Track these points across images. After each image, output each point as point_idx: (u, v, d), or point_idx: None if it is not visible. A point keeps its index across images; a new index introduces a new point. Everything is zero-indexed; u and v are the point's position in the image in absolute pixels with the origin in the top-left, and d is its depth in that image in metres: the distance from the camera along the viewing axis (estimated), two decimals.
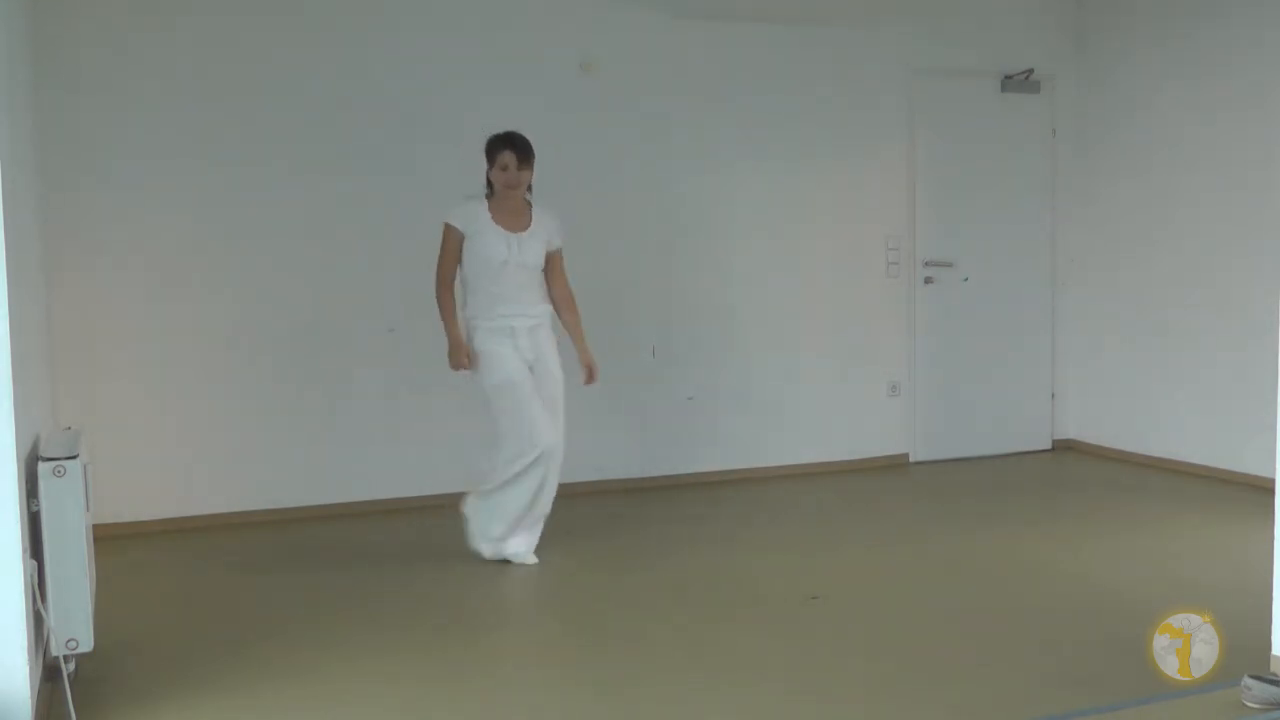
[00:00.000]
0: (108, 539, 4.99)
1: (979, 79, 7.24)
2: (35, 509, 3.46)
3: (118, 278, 5.67)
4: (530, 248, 5.01)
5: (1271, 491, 3.73)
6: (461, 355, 4.98)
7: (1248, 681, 3.41)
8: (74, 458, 3.53)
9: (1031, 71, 7.28)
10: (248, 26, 5.82)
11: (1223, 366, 6.51)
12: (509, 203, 5.03)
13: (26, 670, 3.21)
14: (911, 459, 7.24)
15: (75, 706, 3.35)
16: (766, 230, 6.83)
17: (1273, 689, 3.37)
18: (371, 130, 6.01)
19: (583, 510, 6.07)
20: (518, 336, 4.99)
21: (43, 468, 3.47)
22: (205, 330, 5.79)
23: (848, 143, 6.99)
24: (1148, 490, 6.44)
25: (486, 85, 6.20)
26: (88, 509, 3.63)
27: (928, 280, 7.21)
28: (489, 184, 5.06)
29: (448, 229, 5.02)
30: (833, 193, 6.98)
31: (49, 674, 3.61)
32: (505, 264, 4.95)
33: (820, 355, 6.99)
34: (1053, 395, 7.57)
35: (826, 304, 6.99)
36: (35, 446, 3.70)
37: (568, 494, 6.29)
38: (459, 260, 5.02)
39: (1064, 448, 7.55)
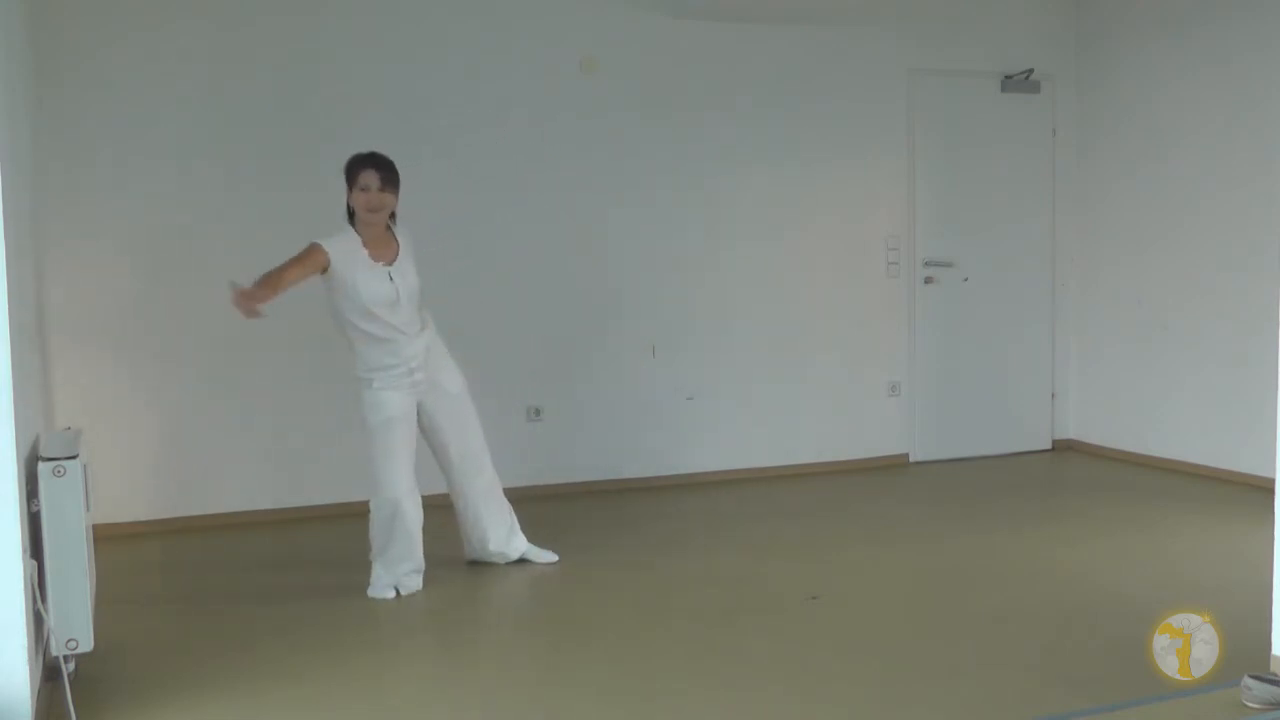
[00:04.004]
0: (108, 539, 4.99)
1: (979, 79, 7.24)
2: (35, 509, 3.47)
3: (117, 278, 5.67)
4: (409, 275, 4.67)
5: (1271, 491, 3.73)
6: (251, 302, 4.33)
7: (1248, 681, 3.41)
8: (74, 458, 3.53)
9: (1031, 71, 7.28)
10: (248, 26, 5.82)
11: (1222, 366, 6.51)
12: (373, 231, 4.63)
13: (26, 670, 3.20)
14: (911, 459, 7.24)
15: (75, 706, 3.35)
16: (767, 230, 6.83)
17: (1273, 689, 3.37)
18: (370, 130, 5.98)
19: (582, 509, 6.08)
20: (414, 375, 4.67)
21: (43, 468, 3.47)
22: (204, 330, 5.79)
23: (848, 143, 6.99)
24: (1148, 490, 6.44)
25: (486, 85, 6.21)
26: (88, 509, 3.63)
27: (928, 280, 7.21)
28: (350, 213, 4.66)
29: (315, 250, 4.50)
30: (833, 193, 6.98)
31: (49, 674, 3.61)
32: (395, 303, 4.59)
33: (820, 355, 6.99)
34: (1053, 395, 7.57)
35: (826, 304, 6.99)
36: (35, 446, 3.70)
37: (567, 494, 6.33)
38: (301, 279, 4.54)
39: (1064, 448, 7.55)
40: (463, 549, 5.09)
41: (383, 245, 4.67)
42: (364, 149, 4.75)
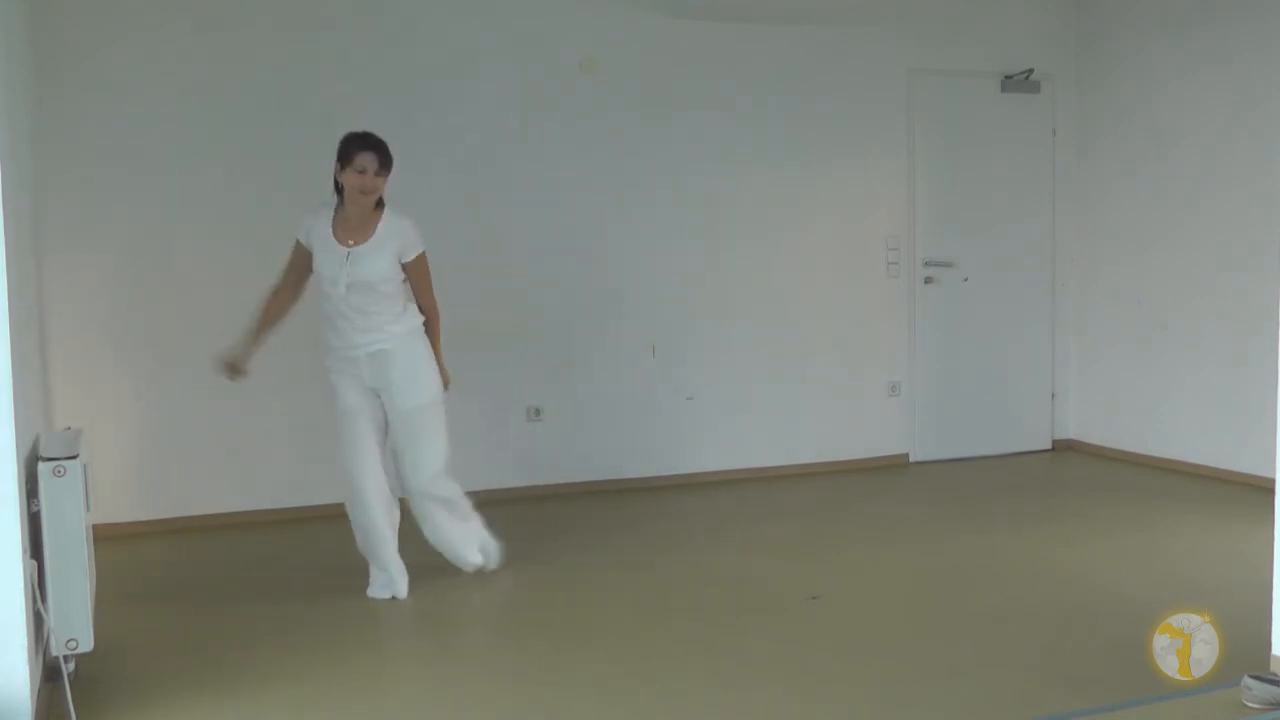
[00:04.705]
0: (108, 539, 4.99)
1: (979, 79, 7.24)
2: (35, 509, 3.47)
3: (117, 277, 5.67)
4: (369, 261, 4.46)
5: (1271, 491, 3.73)
6: (229, 366, 4.63)
7: (1248, 681, 3.41)
8: (74, 458, 3.54)
9: (1031, 71, 7.28)
10: (248, 27, 5.82)
11: (1222, 367, 6.51)
12: (356, 211, 4.49)
13: (26, 670, 3.20)
14: (911, 459, 7.24)
15: (75, 706, 3.35)
16: (766, 230, 6.83)
17: (1273, 689, 3.37)
18: (370, 129, 5.99)
19: (582, 509, 6.08)
20: (359, 365, 4.54)
21: (43, 468, 3.47)
22: (204, 330, 5.76)
23: (848, 143, 6.99)
24: (1148, 490, 6.44)
25: (486, 85, 6.21)
26: (88, 509, 3.63)
27: (928, 280, 7.21)
28: (337, 189, 4.53)
29: (295, 249, 4.61)
30: (833, 193, 6.98)
31: (49, 674, 3.61)
32: (336, 283, 4.45)
33: (820, 355, 6.99)
34: (1053, 395, 7.57)
35: (826, 304, 6.99)
36: (35, 446, 3.70)
37: (567, 494, 6.33)
38: (305, 273, 4.62)
39: (1064, 448, 7.55)
40: None
41: (357, 227, 4.51)
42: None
